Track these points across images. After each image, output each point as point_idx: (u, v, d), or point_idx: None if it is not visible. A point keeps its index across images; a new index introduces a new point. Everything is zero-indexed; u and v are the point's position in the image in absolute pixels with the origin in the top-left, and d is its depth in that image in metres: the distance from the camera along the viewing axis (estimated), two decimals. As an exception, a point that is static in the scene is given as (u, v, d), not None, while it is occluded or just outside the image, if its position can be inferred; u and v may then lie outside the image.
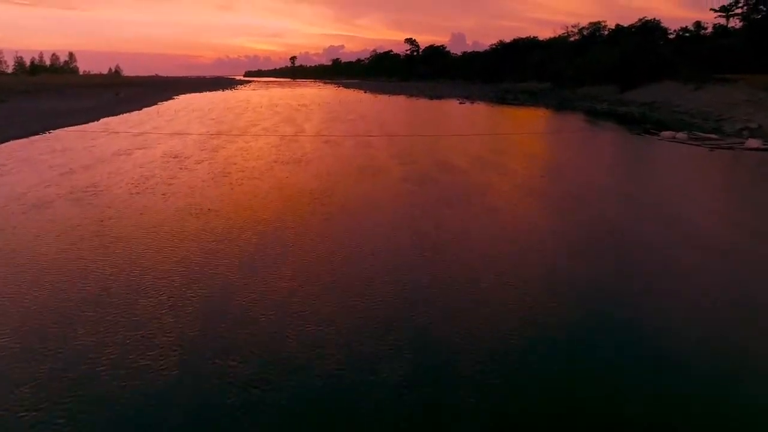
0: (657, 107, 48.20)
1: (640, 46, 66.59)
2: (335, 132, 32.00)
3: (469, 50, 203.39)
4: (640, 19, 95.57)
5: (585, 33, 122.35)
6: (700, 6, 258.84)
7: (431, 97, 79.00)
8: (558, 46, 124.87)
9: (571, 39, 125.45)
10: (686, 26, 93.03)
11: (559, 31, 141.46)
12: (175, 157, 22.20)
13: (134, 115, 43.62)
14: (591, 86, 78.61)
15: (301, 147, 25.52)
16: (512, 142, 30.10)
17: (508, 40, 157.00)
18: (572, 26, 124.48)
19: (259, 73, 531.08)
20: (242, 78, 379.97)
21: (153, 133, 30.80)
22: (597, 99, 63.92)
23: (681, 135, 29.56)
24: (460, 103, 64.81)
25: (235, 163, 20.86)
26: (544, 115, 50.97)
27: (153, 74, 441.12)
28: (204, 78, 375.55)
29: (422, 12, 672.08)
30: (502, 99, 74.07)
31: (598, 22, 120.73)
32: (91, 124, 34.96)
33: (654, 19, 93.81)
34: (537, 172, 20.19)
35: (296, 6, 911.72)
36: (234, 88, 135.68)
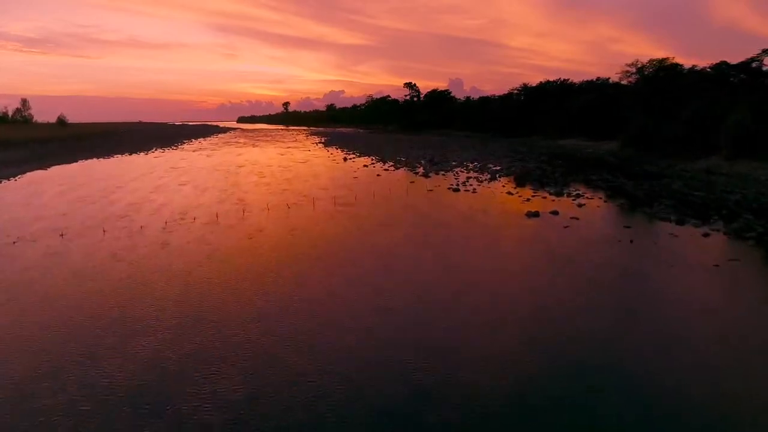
0: None
1: None
2: None
3: (467, 96, 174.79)
4: (764, 50, 63.84)
5: (646, 73, 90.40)
6: (696, 53, 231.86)
7: (452, 182, 45.19)
8: (613, 89, 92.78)
9: (625, 81, 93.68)
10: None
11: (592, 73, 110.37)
12: None
13: None
14: (752, 161, 44.43)
15: None
16: None
17: (512, 85, 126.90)
18: (627, 65, 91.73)
19: (252, 119, 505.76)
20: (231, 125, 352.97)
21: None
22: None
23: None
24: (569, 222, 30.11)
25: None
26: None
27: (137, 120, 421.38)
28: (187, 124, 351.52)
29: (420, 59, 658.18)
30: (630, 195, 38.49)
31: (665, 59, 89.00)
32: None
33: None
34: None
35: (298, 53, 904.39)
36: (177, 145, 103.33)
